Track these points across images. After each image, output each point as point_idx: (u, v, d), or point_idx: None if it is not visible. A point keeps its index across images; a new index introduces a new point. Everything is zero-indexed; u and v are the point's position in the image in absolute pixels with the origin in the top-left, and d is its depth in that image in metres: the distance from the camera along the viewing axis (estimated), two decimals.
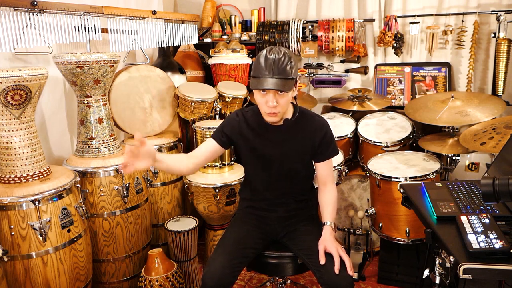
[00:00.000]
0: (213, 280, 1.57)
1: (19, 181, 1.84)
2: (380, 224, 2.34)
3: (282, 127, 1.78)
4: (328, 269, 1.56)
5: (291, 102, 1.79)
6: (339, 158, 2.52)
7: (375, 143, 2.65)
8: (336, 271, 1.53)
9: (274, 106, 1.62)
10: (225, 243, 1.73)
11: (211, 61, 3.12)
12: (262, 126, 1.79)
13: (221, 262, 1.61)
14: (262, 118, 1.78)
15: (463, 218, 1.32)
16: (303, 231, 1.79)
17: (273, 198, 1.84)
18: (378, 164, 2.41)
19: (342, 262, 1.56)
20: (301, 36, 3.21)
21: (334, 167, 2.41)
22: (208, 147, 1.82)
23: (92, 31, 2.33)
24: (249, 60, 3.13)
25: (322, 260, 1.58)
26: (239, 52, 3.07)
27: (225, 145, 1.82)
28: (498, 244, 1.17)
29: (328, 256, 1.59)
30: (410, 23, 3.01)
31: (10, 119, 1.79)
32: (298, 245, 1.75)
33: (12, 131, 1.81)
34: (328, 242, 1.63)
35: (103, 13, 2.38)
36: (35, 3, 2.00)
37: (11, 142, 1.82)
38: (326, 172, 1.83)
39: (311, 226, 1.80)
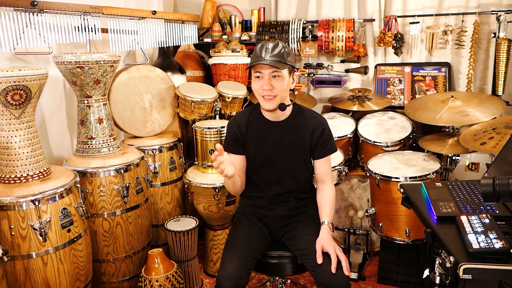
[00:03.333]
0: (230, 282, 1.56)
1: (19, 181, 1.84)
2: (380, 224, 2.34)
3: (281, 123, 1.80)
4: (324, 270, 1.56)
5: (290, 99, 1.81)
6: (339, 158, 2.52)
7: (375, 143, 2.65)
8: (333, 270, 1.54)
9: (269, 89, 1.66)
10: (235, 243, 1.72)
11: (211, 61, 3.12)
12: (261, 122, 1.81)
13: (236, 264, 1.61)
14: (261, 114, 1.80)
15: (463, 218, 1.32)
16: (301, 231, 1.79)
17: (274, 197, 1.85)
18: (378, 164, 2.41)
19: (339, 262, 1.57)
20: (301, 36, 3.21)
21: (334, 167, 2.41)
22: (236, 162, 1.84)
23: (92, 31, 2.33)
24: (249, 60, 3.13)
25: (319, 260, 1.58)
26: (239, 52, 3.07)
27: (243, 151, 1.86)
28: (498, 244, 1.17)
29: (325, 256, 1.60)
30: (410, 23, 3.01)
31: (10, 119, 1.79)
32: (296, 245, 1.75)
33: (12, 131, 1.81)
34: (325, 241, 1.63)
35: (103, 13, 2.38)
36: (35, 3, 2.00)
37: (11, 142, 1.81)
38: (324, 170, 1.84)
39: (310, 226, 1.80)
